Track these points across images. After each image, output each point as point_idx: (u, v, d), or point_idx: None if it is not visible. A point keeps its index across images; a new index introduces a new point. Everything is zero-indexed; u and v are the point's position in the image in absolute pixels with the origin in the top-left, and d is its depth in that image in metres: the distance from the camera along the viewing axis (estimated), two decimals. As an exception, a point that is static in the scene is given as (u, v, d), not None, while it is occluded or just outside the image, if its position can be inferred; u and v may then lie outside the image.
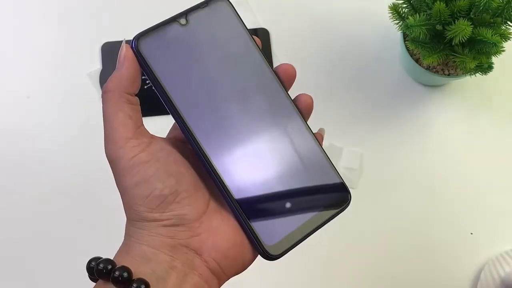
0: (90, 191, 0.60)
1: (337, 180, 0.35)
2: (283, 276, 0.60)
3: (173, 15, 0.35)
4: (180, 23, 0.34)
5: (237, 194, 0.33)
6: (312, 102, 0.38)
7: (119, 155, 0.31)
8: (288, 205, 0.34)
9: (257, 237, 0.33)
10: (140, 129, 0.33)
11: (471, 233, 0.60)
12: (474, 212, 0.60)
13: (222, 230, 0.32)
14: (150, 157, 0.32)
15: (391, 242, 0.60)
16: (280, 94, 0.36)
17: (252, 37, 0.36)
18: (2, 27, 0.65)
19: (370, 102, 0.62)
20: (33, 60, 0.64)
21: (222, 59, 0.34)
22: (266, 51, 0.64)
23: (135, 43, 0.33)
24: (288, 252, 0.33)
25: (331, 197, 0.35)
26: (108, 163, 0.33)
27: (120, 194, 0.32)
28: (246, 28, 0.36)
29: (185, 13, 0.35)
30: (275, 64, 0.63)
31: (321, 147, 0.35)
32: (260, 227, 0.33)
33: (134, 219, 0.31)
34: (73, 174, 0.62)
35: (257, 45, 0.35)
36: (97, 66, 0.64)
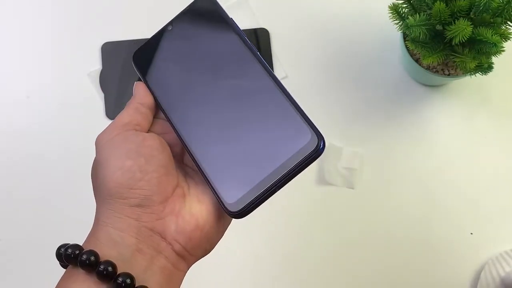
0: (90, 190, 0.60)
1: (305, 129, 0.33)
2: (282, 276, 0.60)
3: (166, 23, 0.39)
4: (167, 30, 0.38)
5: (199, 152, 0.35)
6: None
7: (102, 137, 0.35)
8: (248, 158, 0.33)
9: (217, 194, 0.33)
10: (131, 125, 0.35)
11: (471, 233, 0.60)
12: (474, 212, 0.60)
13: (185, 213, 0.33)
14: (124, 139, 0.34)
15: (391, 242, 0.60)
16: (260, 74, 0.36)
17: (238, 28, 0.37)
18: (2, 28, 0.65)
19: (370, 102, 0.63)
20: (33, 60, 0.65)
21: (205, 56, 0.37)
22: (266, 51, 0.64)
23: (132, 58, 0.39)
24: (254, 209, 0.33)
25: (298, 147, 0.32)
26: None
27: (95, 174, 0.34)
28: (231, 20, 0.37)
29: (173, 19, 0.39)
30: (275, 64, 0.63)
31: (293, 99, 0.34)
32: (221, 183, 0.34)
33: (103, 196, 0.33)
34: (73, 174, 0.62)
35: (242, 35, 0.36)
36: (97, 66, 0.64)
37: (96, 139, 0.35)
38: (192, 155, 0.35)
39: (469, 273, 0.59)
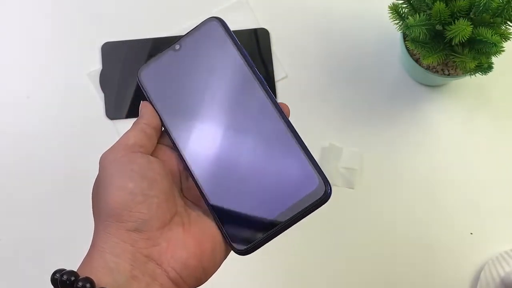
0: (89, 191, 0.60)
1: (314, 176, 0.34)
2: (280, 275, 0.60)
3: (174, 40, 0.38)
4: (175, 49, 0.38)
5: (209, 188, 0.35)
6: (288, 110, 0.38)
7: (106, 157, 0.35)
8: (257, 199, 0.35)
9: (225, 231, 0.34)
10: (136, 146, 0.35)
11: (471, 233, 0.60)
12: (474, 212, 0.60)
13: (182, 241, 0.34)
14: (129, 160, 0.34)
15: (391, 242, 0.60)
16: (264, 102, 0.36)
17: (246, 55, 0.37)
18: (2, 28, 0.65)
19: (370, 102, 0.63)
20: (33, 60, 0.65)
21: (211, 78, 0.37)
22: (266, 51, 0.64)
23: (138, 73, 0.38)
24: (260, 247, 0.34)
25: (306, 192, 0.34)
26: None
27: (96, 193, 0.34)
28: (238, 44, 0.37)
29: (180, 39, 0.38)
30: (275, 64, 0.63)
31: (303, 143, 0.35)
32: (229, 221, 0.34)
33: (103, 216, 0.33)
34: (72, 174, 0.62)
35: (248, 61, 0.37)
36: (97, 66, 0.64)
37: (101, 158, 0.35)
38: (201, 190, 0.35)
39: (469, 273, 0.59)
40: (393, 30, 0.54)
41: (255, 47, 0.64)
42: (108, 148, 0.36)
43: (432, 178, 0.61)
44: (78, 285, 0.30)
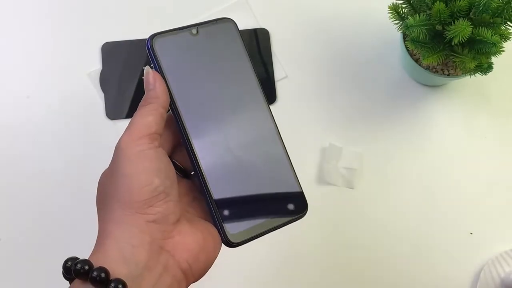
0: (89, 190, 0.60)
1: (300, 193, 0.40)
2: (280, 276, 0.60)
3: (187, 24, 0.39)
4: (191, 33, 0.39)
5: (212, 187, 0.37)
6: None
7: (130, 145, 0.34)
8: (253, 205, 0.38)
9: (222, 225, 0.37)
10: (157, 136, 0.35)
11: (471, 233, 0.60)
12: (474, 212, 0.60)
13: (193, 235, 0.35)
14: (156, 156, 0.34)
15: (390, 242, 0.60)
16: (262, 108, 0.40)
17: (249, 57, 0.41)
18: (2, 27, 0.65)
19: (370, 102, 0.63)
20: (33, 60, 0.65)
21: (220, 70, 0.39)
22: (266, 51, 0.64)
23: (150, 40, 0.38)
24: (247, 243, 0.37)
25: (292, 205, 0.39)
26: (107, 163, 0.35)
27: (115, 182, 0.34)
28: (245, 47, 0.41)
29: (197, 25, 0.39)
30: (275, 64, 0.63)
31: (291, 162, 0.40)
32: (226, 217, 0.37)
33: (122, 207, 0.33)
34: (73, 174, 0.62)
35: (252, 65, 0.41)
36: (97, 66, 0.64)
37: (122, 143, 0.34)
38: (204, 180, 0.37)
39: (469, 273, 0.59)
40: (393, 30, 0.54)
41: (255, 47, 0.64)
42: (126, 132, 0.35)
43: (432, 177, 0.61)
44: (93, 275, 0.30)
